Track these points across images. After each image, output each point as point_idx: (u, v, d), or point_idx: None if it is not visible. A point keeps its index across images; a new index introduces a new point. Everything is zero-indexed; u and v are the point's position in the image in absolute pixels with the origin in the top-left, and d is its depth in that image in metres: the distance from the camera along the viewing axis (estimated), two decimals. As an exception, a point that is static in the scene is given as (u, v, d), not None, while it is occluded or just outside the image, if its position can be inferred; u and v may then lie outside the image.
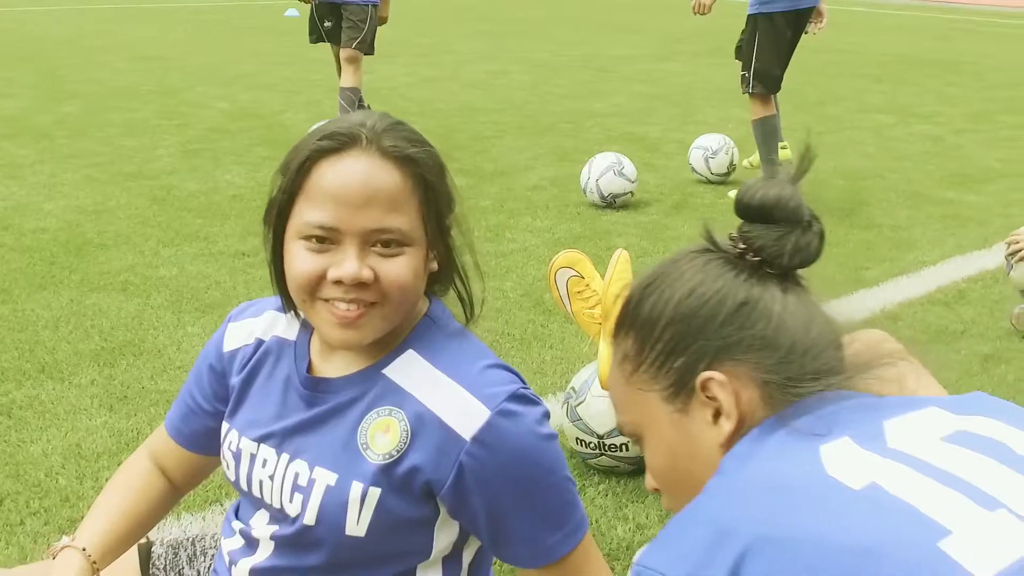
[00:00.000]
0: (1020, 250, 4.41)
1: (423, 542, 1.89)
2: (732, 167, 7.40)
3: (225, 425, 2.01)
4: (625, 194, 6.62)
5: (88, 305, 4.67)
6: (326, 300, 1.78)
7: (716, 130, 7.93)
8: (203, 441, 2.11)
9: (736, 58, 7.38)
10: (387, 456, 1.81)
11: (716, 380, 1.37)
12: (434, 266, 1.88)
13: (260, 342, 2.02)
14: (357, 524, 1.83)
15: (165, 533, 2.53)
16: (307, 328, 1.99)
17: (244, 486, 1.96)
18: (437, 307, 1.95)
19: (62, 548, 2.01)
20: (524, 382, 1.85)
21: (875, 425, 1.34)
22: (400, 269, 1.76)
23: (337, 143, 1.76)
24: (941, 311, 4.97)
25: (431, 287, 1.95)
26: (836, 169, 7.99)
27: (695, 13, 7.33)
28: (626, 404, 1.47)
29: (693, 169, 7.42)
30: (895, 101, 11.64)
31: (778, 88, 6.88)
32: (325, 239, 1.76)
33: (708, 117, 9.32)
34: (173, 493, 2.19)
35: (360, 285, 1.74)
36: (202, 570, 2.23)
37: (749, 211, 1.43)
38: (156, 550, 2.23)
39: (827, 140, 9.19)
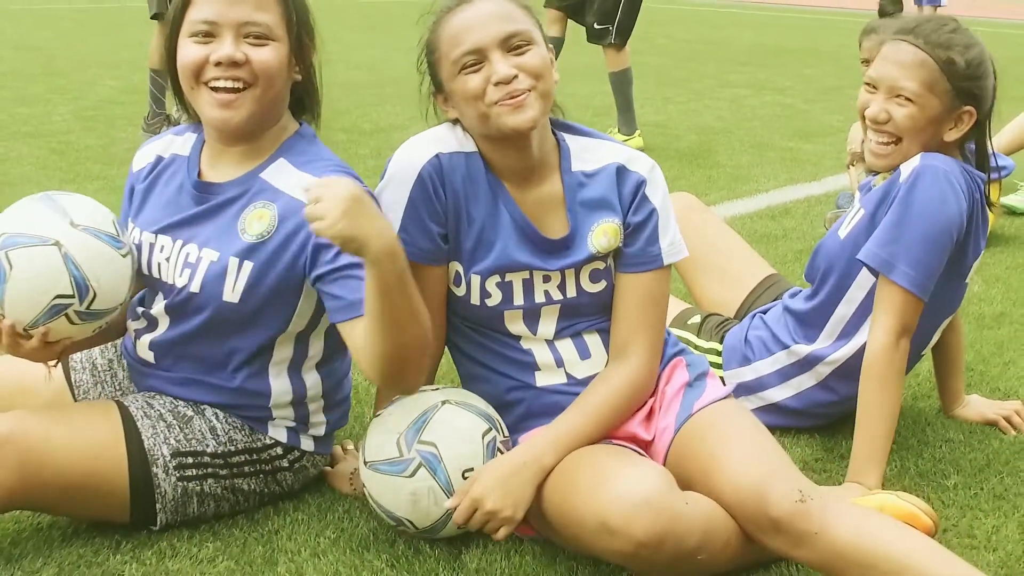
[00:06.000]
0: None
1: (285, 313, 2.48)
2: None
3: (131, 224, 2.59)
4: None
5: (-1, 226, 5.07)
6: (208, 84, 2.37)
7: (582, 104, 8.51)
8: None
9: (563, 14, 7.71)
10: (259, 236, 2.41)
11: None
12: (298, 76, 2.49)
13: (160, 158, 2.63)
14: (232, 291, 2.42)
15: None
16: (199, 144, 2.56)
17: (145, 270, 2.54)
18: (305, 128, 2.56)
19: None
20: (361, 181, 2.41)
21: None
22: (267, 55, 2.40)
23: None
24: (767, 222, 5.63)
25: (298, 109, 2.56)
26: (690, 127, 8.67)
27: None
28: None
29: None
30: (754, 79, 12.39)
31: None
32: (207, 33, 2.37)
33: (577, 91, 9.91)
34: None
35: (235, 65, 2.34)
36: (113, 359, 2.76)
37: None
38: None
39: (685, 107, 9.88)
